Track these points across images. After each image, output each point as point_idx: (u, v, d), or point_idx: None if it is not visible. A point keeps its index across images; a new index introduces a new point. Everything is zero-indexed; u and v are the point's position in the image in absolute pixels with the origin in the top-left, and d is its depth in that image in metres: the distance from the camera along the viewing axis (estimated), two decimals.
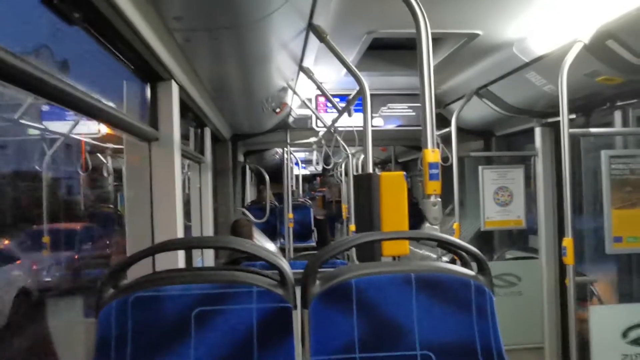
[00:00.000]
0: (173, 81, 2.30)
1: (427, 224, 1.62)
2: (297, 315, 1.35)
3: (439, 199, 1.61)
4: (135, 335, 1.28)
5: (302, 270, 1.39)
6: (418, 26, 1.65)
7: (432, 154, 1.59)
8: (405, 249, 2.10)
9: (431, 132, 1.62)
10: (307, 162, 11.36)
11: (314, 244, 8.25)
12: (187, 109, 3.00)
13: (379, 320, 1.32)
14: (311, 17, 2.31)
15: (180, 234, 2.34)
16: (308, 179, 15.68)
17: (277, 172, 7.08)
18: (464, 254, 1.43)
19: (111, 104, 1.81)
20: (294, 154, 7.83)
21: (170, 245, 1.69)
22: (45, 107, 3.86)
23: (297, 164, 8.99)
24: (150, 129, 2.21)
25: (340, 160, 7.62)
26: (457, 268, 1.40)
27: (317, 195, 14.12)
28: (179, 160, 2.39)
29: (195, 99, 2.90)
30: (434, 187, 1.59)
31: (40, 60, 1.24)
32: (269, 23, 2.01)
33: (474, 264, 1.43)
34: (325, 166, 7.30)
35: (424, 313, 1.33)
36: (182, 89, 2.47)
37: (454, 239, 1.45)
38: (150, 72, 2.17)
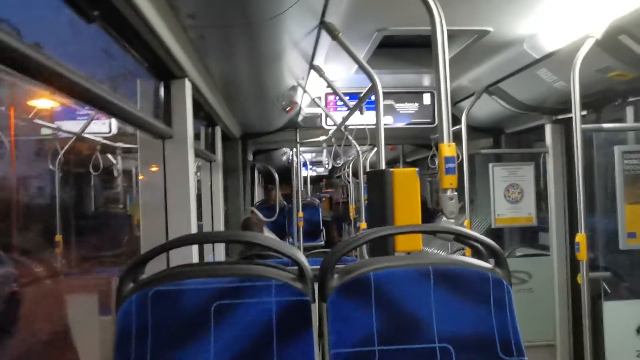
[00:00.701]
0: (186, 79, 2.32)
1: (444, 218, 1.62)
2: (314, 310, 1.36)
3: (455, 193, 1.61)
4: (155, 329, 1.29)
5: (315, 267, 1.40)
6: (433, 22, 1.66)
7: (448, 148, 1.59)
8: (419, 245, 2.11)
9: (447, 127, 1.62)
10: (314, 163, 11.37)
11: (322, 243, 8.26)
12: (199, 107, 3.02)
13: (398, 314, 1.33)
14: (323, 15, 2.32)
15: (194, 230, 2.35)
16: (314, 181, 15.71)
17: (285, 173, 7.09)
18: (480, 247, 1.43)
19: (126, 101, 1.82)
20: (302, 155, 7.84)
21: (190, 240, 1.71)
22: (57, 107, 3.89)
23: (305, 165, 9.00)
24: (164, 127, 2.23)
25: (349, 159, 7.62)
26: (475, 261, 1.41)
27: (323, 196, 14.15)
28: (192, 158, 2.41)
29: (207, 97, 2.91)
30: (450, 181, 1.59)
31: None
32: (281, 21, 2.02)
33: (490, 259, 1.43)
34: (335, 165, 7.30)
35: (442, 306, 1.33)
36: (194, 86, 2.49)
37: (471, 232, 1.45)
38: (164, 70, 2.18)
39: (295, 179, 5.93)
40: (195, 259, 2.34)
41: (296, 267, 1.37)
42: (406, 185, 2.12)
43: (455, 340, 1.32)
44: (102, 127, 4.25)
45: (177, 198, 2.29)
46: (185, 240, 1.55)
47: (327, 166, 11.10)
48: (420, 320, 1.32)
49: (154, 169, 2.34)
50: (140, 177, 2.45)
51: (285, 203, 7.45)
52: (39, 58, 1.12)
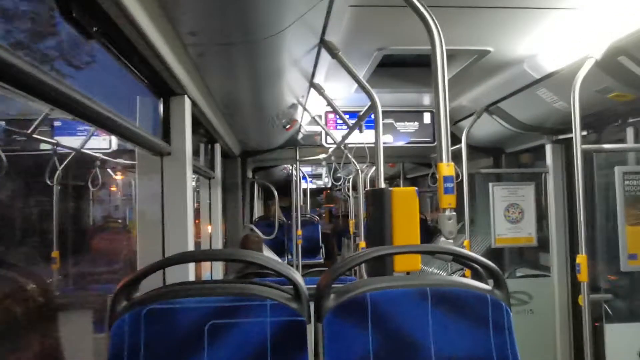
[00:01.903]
0: (186, 96, 2.32)
1: (442, 238, 1.60)
2: (310, 330, 1.34)
3: (454, 213, 1.60)
4: (148, 348, 1.27)
5: (312, 286, 1.38)
6: (433, 42, 1.66)
7: (447, 168, 1.58)
8: (417, 265, 2.09)
9: (446, 146, 1.61)
10: (314, 176, 11.36)
11: (321, 260, 8.21)
12: (199, 124, 3.02)
13: (395, 335, 1.30)
14: (323, 34, 2.33)
15: (191, 248, 2.33)
16: (313, 193, 15.68)
17: (284, 186, 7.08)
18: (479, 268, 1.41)
19: (125, 118, 1.82)
20: (302, 168, 7.82)
21: (187, 257, 1.69)
22: (57, 123, 3.89)
23: (304, 178, 8.99)
24: (162, 143, 2.22)
25: (348, 176, 7.63)
26: (473, 282, 1.38)
27: (323, 211, 14.12)
28: (190, 175, 2.40)
29: (207, 114, 2.91)
30: (449, 201, 1.58)
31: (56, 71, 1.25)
32: (281, 39, 2.02)
33: (490, 280, 1.41)
34: (334, 182, 7.30)
35: (440, 328, 1.31)
36: (194, 104, 2.49)
37: (470, 252, 1.43)
38: (163, 87, 2.18)
39: (294, 197, 5.91)
40: (192, 277, 2.31)
41: (292, 287, 1.35)
42: (405, 205, 2.11)
43: None
44: (103, 143, 4.25)
45: (174, 215, 2.27)
46: (181, 259, 1.54)
47: (326, 182, 11.09)
48: (417, 342, 1.30)
49: (151, 185, 2.32)
50: (137, 194, 2.43)
51: (285, 219, 7.42)
52: (36, 74, 1.12)
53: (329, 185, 11.19)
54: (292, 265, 6.18)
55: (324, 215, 14.13)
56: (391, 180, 9.33)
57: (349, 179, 7.58)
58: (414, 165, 7.37)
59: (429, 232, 7.18)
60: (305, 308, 1.32)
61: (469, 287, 1.36)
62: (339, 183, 8.42)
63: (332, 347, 1.30)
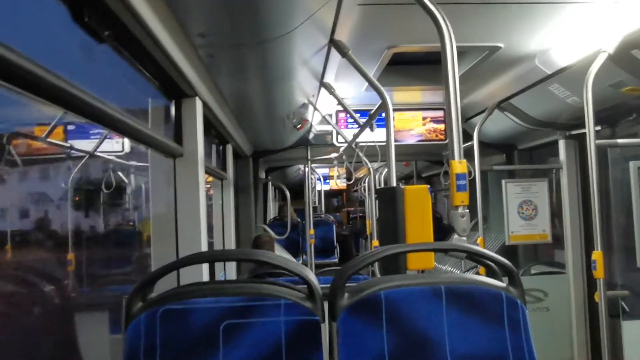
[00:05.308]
0: (197, 98, 2.33)
1: (455, 236, 1.59)
2: (325, 329, 1.34)
3: (467, 210, 1.59)
4: (164, 348, 1.28)
5: (326, 285, 1.38)
6: (443, 39, 1.65)
7: (459, 165, 1.57)
8: (431, 263, 2.07)
9: (458, 144, 1.60)
10: (331, 177, 11.37)
11: (336, 260, 8.20)
12: (210, 126, 3.03)
13: (409, 334, 1.30)
14: (333, 33, 2.33)
15: (204, 248, 2.35)
16: (332, 195, 15.67)
17: (300, 188, 7.09)
18: (493, 265, 1.40)
19: (137, 120, 1.83)
20: (317, 170, 7.79)
21: (200, 258, 1.70)
22: (70, 127, 3.93)
23: (319, 179, 8.99)
24: (175, 145, 2.24)
25: (362, 175, 7.63)
26: (488, 280, 1.38)
27: (342, 211, 14.18)
28: (203, 176, 2.41)
29: (218, 115, 2.93)
30: (461, 199, 1.57)
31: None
32: (291, 39, 2.02)
33: (504, 278, 1.40)
34: (347, 182, 7.29)
35: (455, 326, 1.30)
36: (205, 105, 2.50)
37: (484, 250, 1.43)
38: (175, 89, 2.20)
39: (307, 195, 5.91)
40: (205, 277, 2.33)
41: (306, 286, 1.35)
42: (418, 203, 2.10)
43: None
44: (116, 145, 4.29)
45: (187, 216, 2.29)
46: (194, 259, 1.54)
47: (338, 182, 11.08)
48: (432, 340, 1.30)
49: (165, 186, 2.34)
50: (150, 196, 2.45)
51: (299, 220, 7.43)
52: (49, 78, 1.13)
53: (344, 184, 11.18)
54: (305, 265, 6.18)
55: (342, 213, 14.26)
56: (406, 179, 9.31)
57: (365, 178, 7.58)
58: (428, 164, 7.34)
59: (443, 231, 7.15)
60: (320, 307, 1.33)
61: (484, 285, 1.35)
62: (351, 182, 8.41)
63: (347, 346, 1.30)
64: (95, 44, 1.50)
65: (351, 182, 8.07)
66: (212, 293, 1.32)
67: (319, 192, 9.30)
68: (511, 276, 1.37)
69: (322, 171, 9.32)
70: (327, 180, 11.58)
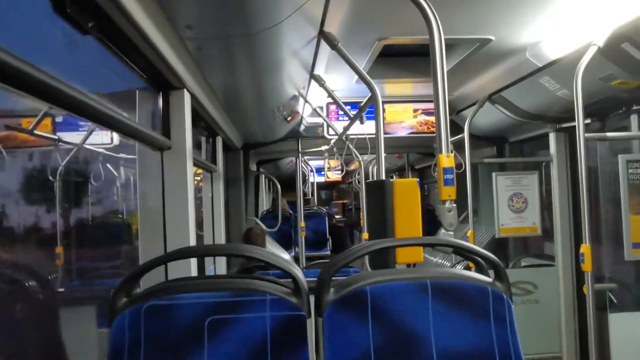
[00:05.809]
0: (185, 90, 2.31)
1: (442, 230, 1.59)
2: (311, 324, 1.33)
3: (455, 205, 1.58)
4: (149, 344, 1.27)
5: (315, 279, 1.38)
6: (431, 31, 1.64)
7: (446, 159, 1.57)
8: (420, 256, 2.08)
9: (445, 138, 1.60)
10: (329, 169, 11.37)
11: (328, 252, 8.20)
12: (199, 118, 3.00)
13: (395, 329, 1.30)
14: (322, 25, 2.31)
15: (192, 242, 2.33)
16: (326, 187, 15.68)
17: (293, 181, 7.09)
18: (480, 260, 1.40)
19: (124, 113, 1.81)
20: (310, 162, 7.75)
21: (185, 253, 1.69)
22: (58, 118, 3.89)
23: (312, 171, 8.97)
24: (162, 138, 2.21)
25: (355, 168, 7.63)
26: (474, 275, 1.37)
27: (336, 203, 14.26)
28: (191, 169, 2.39)
29: (207, 107, 2.90)
30: (449, 193, 1.57)
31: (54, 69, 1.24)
32: (280, 31, 2.00)
33: (490, 272, 1.40)
34: (336, 173, 7.28)
35: (441, 321, 1.30)
36: (194, 97, 2.48)
37: (470, 245, 1.42)
38: (162, 81, 2.17)
39: (298, 188, 5.90)
40: (194, 272, 2.31)
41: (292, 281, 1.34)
42: (407, 196, 2.09)
43: (454, 356, 1.28)
44: (105, 138, 4.25)
45: (175, 210, 2.27)
46: (180, 254, 1.53)
47: (330, 174, 11.08)
48: (418, 335, 1.29)
49: (153, 179, 2.32)
50: (137, 189, 2.43)
51: (291, 212, 7.42)
52: (33, 72, 1.11)
53: (343, 175, 11.18)
54: (297, 258, 6.18)
55: (337, 206, 14.38)
56: (399, 171, 9.31)
57: (357, 170, 7.58)
58: (420, 156, 7.35)
59: (435, 223, 7.16)
60: (305, 302, 1.32)
61: (470, 280, 1.35)
62: (342, 174, 8.40)
63: (332, 341, 1.29)
64: (79, 35, 1.47)
65: (342, 174, 8.07)
66: (197, 289, 1.31)
67: (312, 184, 9.28)
68: (497, 270, 1.37)
69: (315, 163, 9.29)
70: (322, 172, 11.58)
